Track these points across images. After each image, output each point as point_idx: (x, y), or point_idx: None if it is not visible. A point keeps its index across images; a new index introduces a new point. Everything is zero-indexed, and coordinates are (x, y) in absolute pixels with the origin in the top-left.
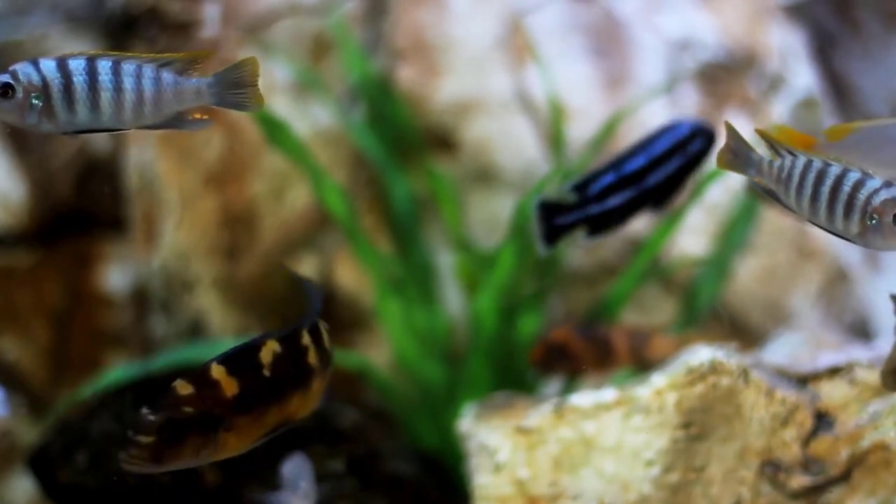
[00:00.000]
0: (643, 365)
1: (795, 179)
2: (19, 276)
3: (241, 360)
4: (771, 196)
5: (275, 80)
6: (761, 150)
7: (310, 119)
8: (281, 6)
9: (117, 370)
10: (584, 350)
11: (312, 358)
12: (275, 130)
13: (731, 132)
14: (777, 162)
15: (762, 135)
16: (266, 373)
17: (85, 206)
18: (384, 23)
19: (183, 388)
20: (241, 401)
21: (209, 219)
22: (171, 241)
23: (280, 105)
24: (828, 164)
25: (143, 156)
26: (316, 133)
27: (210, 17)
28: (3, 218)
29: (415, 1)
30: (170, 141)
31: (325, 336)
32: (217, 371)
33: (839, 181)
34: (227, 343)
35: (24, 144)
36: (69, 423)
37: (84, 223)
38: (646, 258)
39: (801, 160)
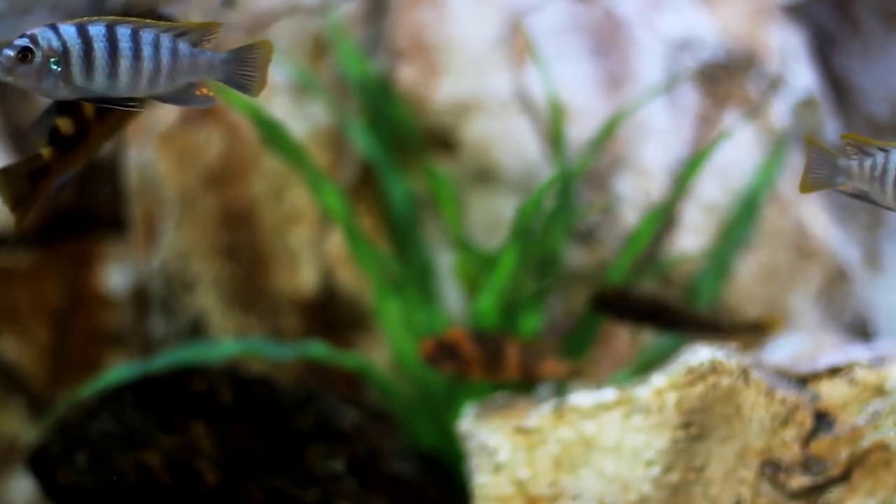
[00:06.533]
0: (531, 381)
1: (892, 173)
2: (19, 276)
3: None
4: (862, 199)
5: (274, 80)
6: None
7: (309, 119)
8: (281, 6)
9: (117, 370)
10: (473, 354)
11: None
12: (271, 131)
13: (814, 148)
14: (868, 161)
15: (847, 138)
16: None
17: (85, 206)
18: (384, 23)
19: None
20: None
21: (209, 219)
22: (171, 241)
23: (279, 105)
24: None
25: (143, 156)
26: (315, 133)
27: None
28: (3, 218)
29: (415, 1)
30: (170, 141)
31: None
32: None
33: None
34: (228, 343)
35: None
36: (69, 423)
37: (84, 223)
38: (633, 251)
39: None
